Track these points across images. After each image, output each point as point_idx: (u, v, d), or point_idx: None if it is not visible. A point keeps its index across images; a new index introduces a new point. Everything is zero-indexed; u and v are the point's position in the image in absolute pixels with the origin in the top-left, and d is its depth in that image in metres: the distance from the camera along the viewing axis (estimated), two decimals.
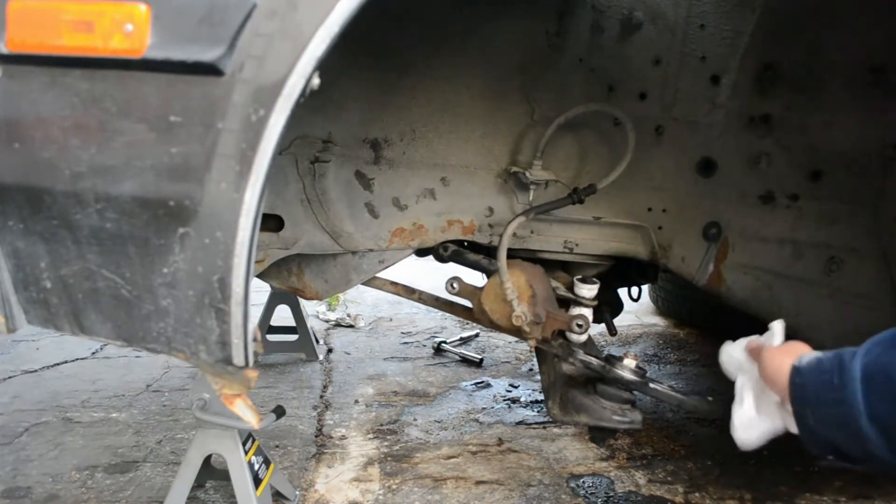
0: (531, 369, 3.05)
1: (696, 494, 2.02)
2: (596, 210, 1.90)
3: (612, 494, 2.00)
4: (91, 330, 1.21)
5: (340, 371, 2.98)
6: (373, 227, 1.89)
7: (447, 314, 2.45)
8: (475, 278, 1.95)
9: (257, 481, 1.65)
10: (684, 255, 1.89)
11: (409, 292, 2.12)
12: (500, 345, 3.39)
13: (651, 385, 1.64)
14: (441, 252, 1.98)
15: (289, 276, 2.02)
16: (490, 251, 1.97)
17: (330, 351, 3.26)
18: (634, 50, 1.68)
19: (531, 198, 1.84)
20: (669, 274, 2.05)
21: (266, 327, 3.05)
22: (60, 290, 1.19)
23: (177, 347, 1.15)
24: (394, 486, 2.00)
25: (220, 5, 1.00)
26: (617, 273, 2.11)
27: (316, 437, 2.32)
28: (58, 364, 2.92)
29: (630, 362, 1.64)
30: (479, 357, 3.13)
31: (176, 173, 1.03)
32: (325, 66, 0.99)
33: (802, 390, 0.93)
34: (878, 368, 0.83)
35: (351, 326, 3.67)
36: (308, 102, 1.02)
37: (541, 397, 2.68)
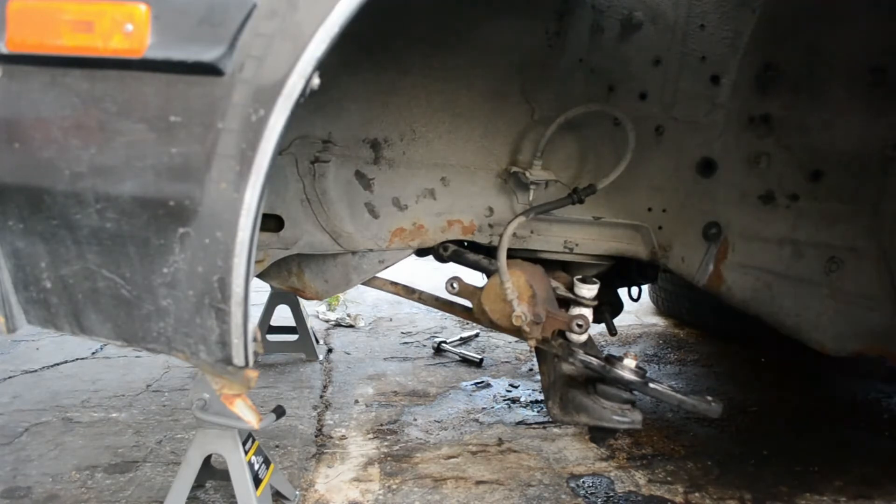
0: (531, 369, 3.05)
1: (696, 494, 2.02)
2: (596, 210, 1.90)
3: (612, 494, 2.00)
4: (91, 330, 1.21)
5: (340, 371, 2.98)
6: (373, 227, 1.89)
7: (447, 314, 2.45)
8: (475, 278, 1.95)
9: (257, 481, 1.65)
10: (684, 255, 1.89)
11: (409, 292, 2.12)
12: (500, 345, 3.39)
13: (651, 385, 1.64)
14: (441, 252, 1.98)
15: (289, 276, 2.02)
16: (490, 251, 1.97)
17: (330, 351, 3.26)
18: (634, 50, 1.68)
19: (531, 198, 1.84)
20: (669, 274, 2.05)
21: (266, 327, 3.05)
22: (60, 290, 1.19)
23: (177, 347, 1.15)
24: (394, 486, 2.00)
25: (220, 5, 1.00)
26: (617, 273, 2.11)
27: (316, 437, 2.32)
28: (58, 364, 2.92)
29: (630, 362, 1.64)
30: (479, 357, 3.13)
31: (176, 173, 1.03)
32: (325, 65, 0.99)
33: None
34: None
35: (351, 326, 3.67)
36: (308, 102, 1.02)
37: (541, 397, 2.68)
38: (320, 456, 2.18)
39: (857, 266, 1.75)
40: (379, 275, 2.04)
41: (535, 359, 2.87)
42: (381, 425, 2.43)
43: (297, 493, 1.93)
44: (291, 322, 3.06)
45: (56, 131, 1.06)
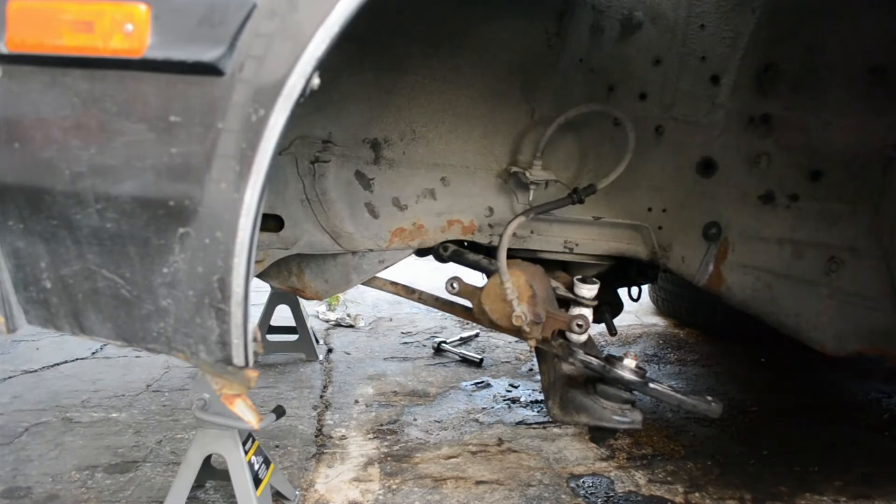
0: (531, 369, 3.05)
1: (696, 494, 2.02)
2: (596, 210, 1.90)
3: (612, 494, 2.00)
4: (91, 330, 1.21)
5: (340, 371, 2.98)
6: (373, 227, 1.89)
7: (447, 314, 2.45)
8: (475, 278, 1.95)
9: (257, 481, 1.65)
10: (684, 255, 1.89)
11: (409, 292, 2.12)
12: (500, 345, 3.39)
13: (651, 385, 1.64)
14: (441, 252, 1.98)
15: (289, 276, 2.02)
16: (490, 251, 1.97)
17: (330, 351, 3.26)
18: (634, 50, 1.68)
19: (531, 198, 1.84)
20: (669, 274, 2.05)
21: (266, 327, 3.05)
22: (60, 290, 1.19)
23: (177, 347, 1.15)
24: (394, 486, 2.00)
25: (220, 5, 1.00)
26: (617, 273, 2.11)
27: (316, 437, 2.32)
28: (58, 364, 2.92)
29: (630, 362, 1.64)
30: (479, 357, 3.13)
31: (176, 173, 1.03)
32: (325, 66, 0.99)
33: None
34: None
35: (351, 326, 3.67)
36: (308, 102, 1.02)
37: (541, 397, 2.68)
38: (320, 456, 2.18)
39: (857, 266, 1.74)
40: (379, 275, 2.04)
41: (535, 359, 2.87)
42: (381, 425, 2.43)
43: (297, 493, 1.93)
44: (291, 322, 3.06)
45: (56, 131, 1.06)
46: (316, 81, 0.99)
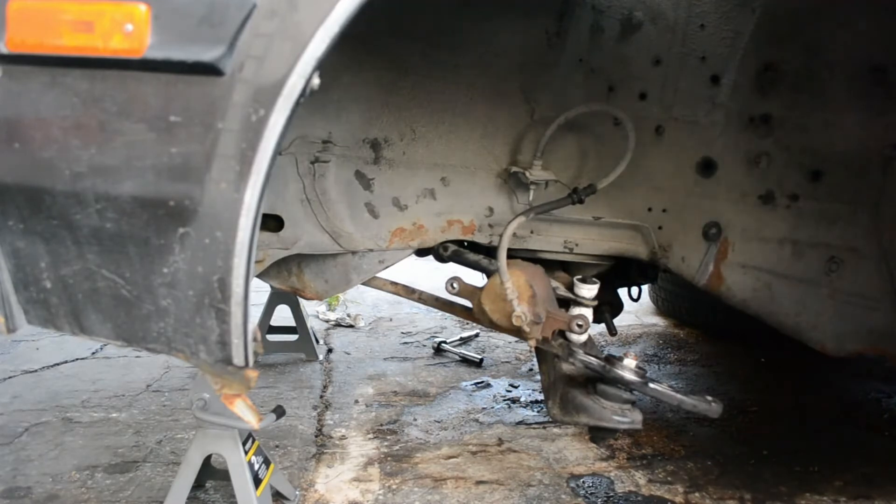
0: (531, 369, 3.05)
1: (696, 494, 2.02)
2: (596, 210, 1.90)
3: (612, 494, 2.00)
4: (91, 330, 1.21)
5: (340, 371, 2.98)
6: (373, 227, 1.89)
7: (447, 314, 2.45)
8: (475, 278, 1.95)
9: (257, 481, 1.65)
10: (684, 255, 1.89)
11: (409, 292, 2.12)
12: (500, 345, 3.39)
13: (651, 385, 1.63)
14: (441, 252, 1.98)
15: (289, 276, 2.02)
16: (490, 251, 1.97)
17: (330, 351, 3.26)
18: (634, 50, 1.68)
19: (531, 198, 1.84)
20: (669, 274, 2.05)
21: (266, 327, 3.05)
22: (60, 290, 1.19)
23: (177, 347, 1.15)
24: (394, 486, 2.00)
25: (220, 5, 1.00)
26: (617, 273, 2.11)
27: (316, 437, 2.32)
28: (58, 364, 2.92)
29: (630, 362, 1.64)
30: (479, 357, 3.13)
31: (176, 173, 1.03)
32: (326, 65, 0.99)
33: None
34: None
35: (351, 326, 3.67)
36: (308, 102, 1.02)
37: (541, 397, 2.68)
38: (320, 456, 2.18)
39: (857, 266, 1.75)
40: (379, 275, 2.04)
41: (535, 359, 2.87)
42: (381, 425, 2.43)
43: (297, 493, 1.94)
44: (291, 322, 3.06)
45: (56, 131, 1.06)
46: (316, 81, 0.99)
